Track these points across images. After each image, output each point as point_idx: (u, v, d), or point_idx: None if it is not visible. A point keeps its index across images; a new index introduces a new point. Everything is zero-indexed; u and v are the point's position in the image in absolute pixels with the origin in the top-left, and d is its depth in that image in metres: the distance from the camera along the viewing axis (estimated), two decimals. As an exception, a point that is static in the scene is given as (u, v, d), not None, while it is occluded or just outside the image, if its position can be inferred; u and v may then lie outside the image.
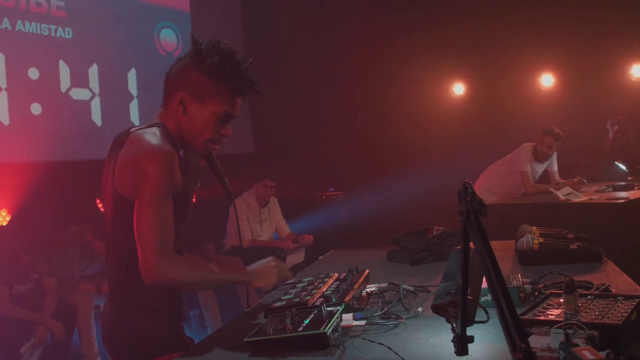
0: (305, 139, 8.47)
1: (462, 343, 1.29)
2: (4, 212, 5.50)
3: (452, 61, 8.17)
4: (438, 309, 1.43)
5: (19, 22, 5.80)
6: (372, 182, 8.17)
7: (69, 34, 6.21)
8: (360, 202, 8.31)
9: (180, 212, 1.96)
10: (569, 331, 1.20)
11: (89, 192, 6.15)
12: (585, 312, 1.51)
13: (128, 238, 1.84)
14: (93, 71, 6.44)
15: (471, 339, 1.29)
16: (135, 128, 1.99)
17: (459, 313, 1.28)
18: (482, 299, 1.79)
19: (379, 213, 7.98)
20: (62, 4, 6.16)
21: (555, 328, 1.32)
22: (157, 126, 1.97)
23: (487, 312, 1.43)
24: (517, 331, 0.88)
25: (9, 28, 5.73)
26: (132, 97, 6.79)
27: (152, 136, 1.88)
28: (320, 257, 3.08)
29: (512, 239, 2.92)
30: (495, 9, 7.70)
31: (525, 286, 1.95)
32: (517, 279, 2.02)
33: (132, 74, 6.82)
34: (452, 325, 1.36)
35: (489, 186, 6.24)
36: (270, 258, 2.11)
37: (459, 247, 2.50)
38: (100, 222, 6.13)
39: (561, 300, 1.61)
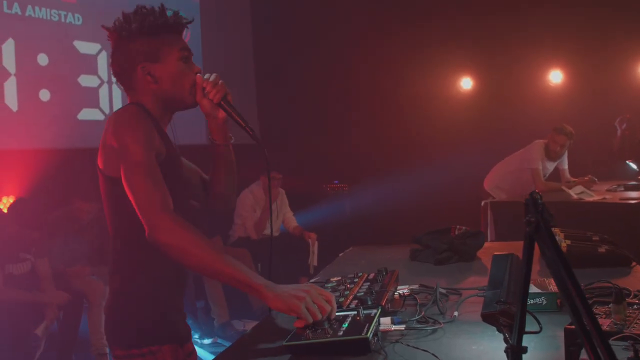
0: (311, 131, 8.42)
1: (517, 354, 1.25)
2: (4, 200, 5.46)
3: (460, 55, 8.12)
4: (488, 318, 1.39)
5: (29, 7, 5.73)
6: (377, 176, 8.12)
7: (78, 20, 6.14)
8: (364, 196, 8.27)
9: (176, 187, 1.90)
10: (638, 346, 1.16)
11: (97, 179, 6.10)
12: (636, 322, 1.47)
13: (119, 224, 1.88)
14: (102, 58, 6.37)
15: (525, 350, 1.25)
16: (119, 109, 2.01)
17: (516, 323, 1.24)
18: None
19: (382, 208, 7.94)
20: (72, -11, 6.12)
21: (612, 340, 1.28)
22: (131, 104, 1.96)
23: (539, 322, 1.39)
24: (608, 353, 0.85)
25: (19, 13, 5.66)
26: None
27: (124, 112, 1.88)
28: (340, 255, 3.04)
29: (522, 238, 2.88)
30: (504, 2, 7.66)
31: (562, 292, 1.90)
32: (552, 284, 1.98)
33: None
34: (504, 335, 1.32)
35: (499, 182, 6.21)
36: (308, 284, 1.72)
37: (484, 246, 2.46)
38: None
39: (607, 309, 1.57)
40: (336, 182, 8.62)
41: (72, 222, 5.29)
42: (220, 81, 2.01)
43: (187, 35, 6.52)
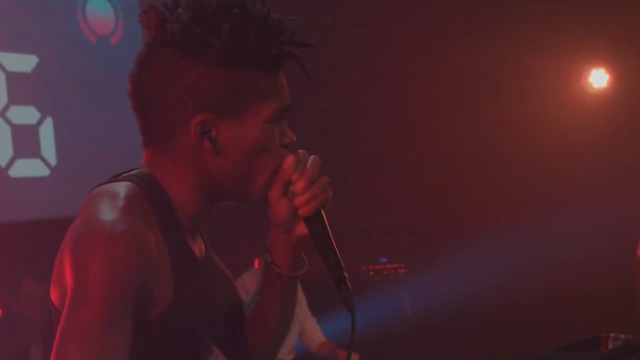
0: (338, 179, 8.33)
1: None
2: None
3: (586, 38, 8.29)
4: None
5: None
6: (451, 247, 7.99)
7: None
8: (432, 282, 8.12)
9: (171, 351, 1.82)
10: None
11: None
12: None
13: None
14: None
15: None
16: (105, 181, 1.85)
17: None
18: None
19: (465, 300, 7.78)
20: None
21: None
22: (132, 179, 1.82)
23: None
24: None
25: None
26: (43, 115, 6.78)
27: (108, 201, 1.73)
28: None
29: None
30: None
31: None
32: None
33: (40, 74, 6.82)
34: None
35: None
36: None
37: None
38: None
39: None
40: (384, 260, 8.52)
41: None
42: (323, 178, 1.90)
43: (118, 25, 6.57)
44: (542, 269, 7.38)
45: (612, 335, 2.79)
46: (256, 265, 6.42)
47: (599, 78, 8.40)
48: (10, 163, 6.49)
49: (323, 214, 1.89)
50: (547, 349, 2.80)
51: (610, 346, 2.77)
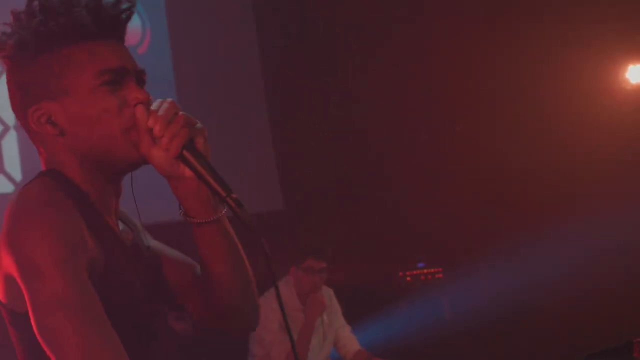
0: (369, 182, 8.31)
1: None
2: None
3: (624, 32, 8.21)
4: None
5: None
6: (491, 251, 7.91)
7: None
8: (473, 287, 8.04)
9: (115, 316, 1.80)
10: None
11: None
12: None
13: None
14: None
15: None
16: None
17: None
18: None
19: (507, 306, 7.69)
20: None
21: None
22: (39, 176, 1.90)
23: None
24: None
25: None
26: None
27: (27, 196, 1.81)
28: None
29: None
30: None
31: None
32: None
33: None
34: None
35: None
36: None
37: None
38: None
39: None
40: (421, 265, 8.46)
41: None
42: (180, 113, 1.91)
43: (145, 34, 6.60)
44: (584, 272, 7.28)
45: (645, 339, 2.78)
46: (290, 275, 6.29)
47: (636, 73, 8.25)
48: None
49: (198, 148, 1.90)
50: (577, 356, 2.79)
51: (643, 351, 2.75)
